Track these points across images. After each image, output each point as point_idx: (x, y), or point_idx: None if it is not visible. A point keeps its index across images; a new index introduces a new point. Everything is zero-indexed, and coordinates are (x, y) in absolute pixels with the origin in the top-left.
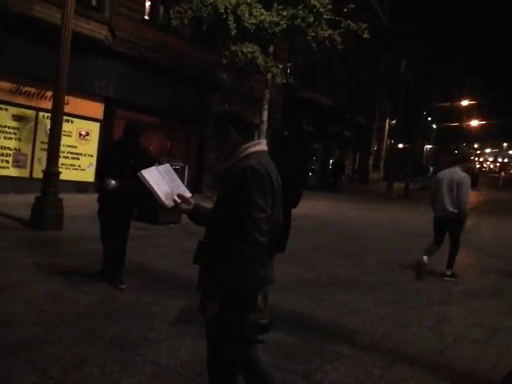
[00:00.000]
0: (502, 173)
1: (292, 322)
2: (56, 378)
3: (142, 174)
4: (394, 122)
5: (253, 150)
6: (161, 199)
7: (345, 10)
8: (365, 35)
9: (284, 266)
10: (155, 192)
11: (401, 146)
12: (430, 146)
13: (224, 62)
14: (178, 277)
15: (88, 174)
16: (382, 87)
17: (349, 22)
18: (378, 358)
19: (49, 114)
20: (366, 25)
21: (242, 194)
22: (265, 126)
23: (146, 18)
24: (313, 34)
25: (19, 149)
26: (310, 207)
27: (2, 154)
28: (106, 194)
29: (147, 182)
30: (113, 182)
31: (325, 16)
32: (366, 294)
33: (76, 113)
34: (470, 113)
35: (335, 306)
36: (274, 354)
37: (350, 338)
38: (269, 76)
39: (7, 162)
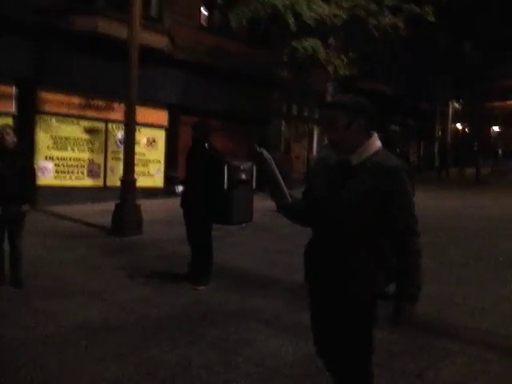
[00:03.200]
0: None
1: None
2: (166, 380)
3: (267, 154)
4: (457, 105)
5: (379, 145)
6: (284, 187)
7: None
8: (430, 18)
9: None
10: (279, 178)
11: (466, 130)
12: (497, 128)
13: (285, 59)
14: (261, 276)
15: (157, 180)
16: (444, 70)
17: (412, 5)
18: (490, 354)
19: (117, 125)
20: (431, 7)
21: (403, 195)
22: None
23: (203, 24)
24: (374, 22)
25: (92, 159)
26: None
27: (77, 166)
28: (184, 198)
29: (272, 164)
30: (180, 187)
31: (386, 3)
32: (458, 286)
33: (143, 121)
34: None
35: (429, 299)
36: (380, 352)
37: (453, 333)
38: (330, 69)
39: (82, 173)
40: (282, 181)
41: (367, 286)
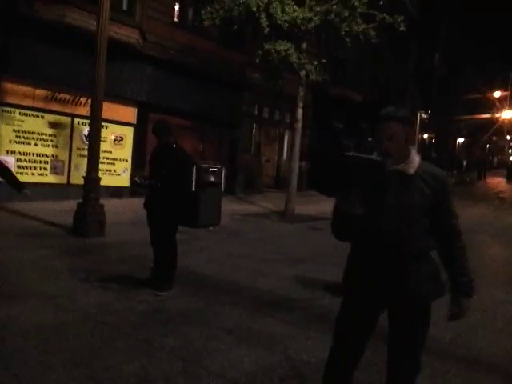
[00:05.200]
0: None
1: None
2: None
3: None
4: (425, 115)
5: (418, 155)
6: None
7: (381, 2)
8: (401, 28)
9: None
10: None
11: (433, 140)
12: (462, 140)
13: (257, 61)
14: (225, 282)
15: (123, 179)
16: (412, 80)
17: (384, 14)
18: (453, 366)
19: (84, 120)
20: (402, 17)
21: (450, 199)
22: (299, 125)
23: (176, 20)
24: (347, 29)
25: (56, 156)
26: None
27: (40, 162)
28: (148, 198)
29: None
30: (139, 179)
31: (359, 10)
32: None
33: (110, 118)
34: (502, 104)
35: None
36: None
37: None
38: (302, 73)
39: (45, 169)
40: None
41: (433, 287)
